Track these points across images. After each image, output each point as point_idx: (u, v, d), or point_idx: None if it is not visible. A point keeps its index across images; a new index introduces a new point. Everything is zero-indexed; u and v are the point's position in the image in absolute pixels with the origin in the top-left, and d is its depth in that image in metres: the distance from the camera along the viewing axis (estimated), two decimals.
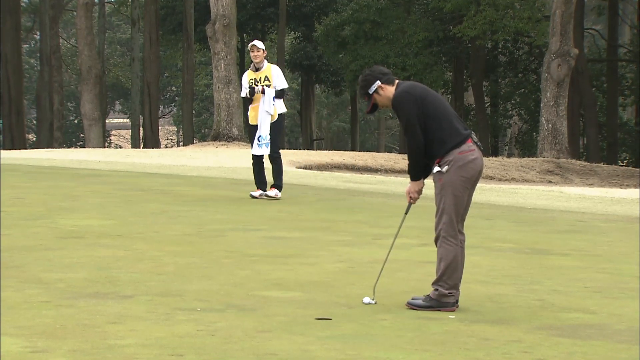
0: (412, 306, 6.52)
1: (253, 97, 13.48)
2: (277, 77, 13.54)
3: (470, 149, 6.49)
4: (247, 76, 13.67)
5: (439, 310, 6.45)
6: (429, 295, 6.54)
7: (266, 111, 13.43)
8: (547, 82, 30.49)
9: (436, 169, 6.48)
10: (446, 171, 6.45)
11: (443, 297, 6.48)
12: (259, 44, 13.54)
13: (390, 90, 6.60)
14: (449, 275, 6.48)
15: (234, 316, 6.07)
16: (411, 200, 6.74)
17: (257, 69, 13.57)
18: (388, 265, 8.25)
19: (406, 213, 6.91)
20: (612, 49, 44.41)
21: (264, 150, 13.49)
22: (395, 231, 7.06)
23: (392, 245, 7.05)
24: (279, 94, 13.53)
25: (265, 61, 13.60)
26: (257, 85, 13.43)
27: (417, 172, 6.59)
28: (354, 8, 40.04)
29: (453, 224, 6.49)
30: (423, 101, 6.48)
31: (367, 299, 6.70)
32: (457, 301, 6.56)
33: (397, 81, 6.65)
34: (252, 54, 13.54)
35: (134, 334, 5.48)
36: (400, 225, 6.97)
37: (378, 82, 6.60)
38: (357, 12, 39.70)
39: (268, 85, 13.44)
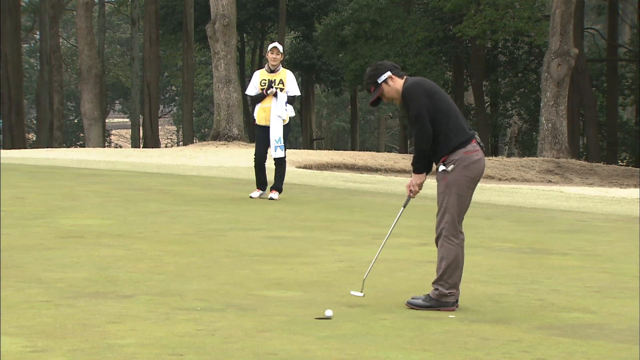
0: (412, 306, 6.52)
1: (265, 96, 13.38)
2: (291, 83, 13.51)
3: (475, 149, 6.50)
4: (259, 76, 13.59)
5: (439, 310, 6.45)
6: (428, 294, 6.54)
7: (278, 115, 13.39)
8: (547, 81, 30.48)
9: (441, 167, 6.48)
10: (451, 170, 6.45)
11: (443, 297, 6.48)
12: (280, 47, 13.52)
13: (399, 83, 6.59)
14: (450, 274, 6.48)
15: (233, 316, 6.07)
16: (411, 194, 6.72)
17: (272, 71, 13.51)
18: (388, 265, 8.26)
19: (404, 206, 6.89)
20: (612, 48, 44.40)
21: (280, 153, 13.46)
22: (393, 223, 7.03)
23: (387, 235, 7.01)
24: (290, 100, 13.51)
25: (280, 65, 13.56)
26: (272, 87, 13.37)
27: (422, 164, 6.57)
28: (354, 7, 40.02)
29: (455, 224, 6.50)
30: (433, 95, 6.50)
31: (355, 292, 6.72)
32: (457, 301, 6.56)
33: (405, 76, 6.65)
34: (271, 56, 13.46)
35: (134, 334, 5.48)
36: (398, 217, 6.94)
37: (389, 73, 6.59)
38: (357, 12, 39.69)
39: (281, 89, 13.41)
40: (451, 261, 6.48)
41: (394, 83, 6.59)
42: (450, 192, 6.47)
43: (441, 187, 6.51)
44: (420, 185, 6.66)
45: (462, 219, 6.60)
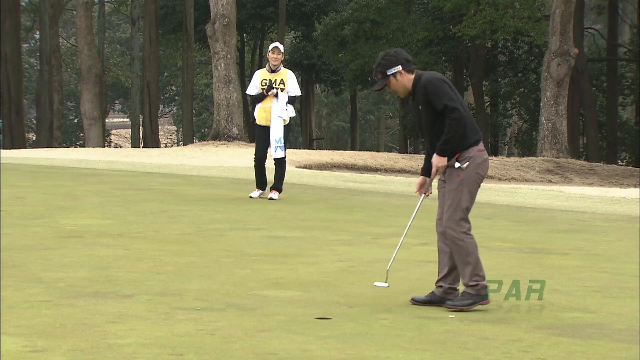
0: (452, 307, 6.43)
1: (266, 96, 13.36)
2: (292, 83, 13.48)
3: (483, 149, 6.56)
4: (260, 75, 13.55)
5: (480, 304, 6.43)
6: (465, 292, 6.48)
7: (279, 116, 13.37)
8: (547, 81, 30.48)
9: (456, 164, 6.48)
10: (465, 167, 6.47)
11: (482, 290, 6.48)
12: (281, 47, 13.49)
13: (408, 79, 6.55)
14: (479, 267, 6.48)
15: (233, 315, 6.07)
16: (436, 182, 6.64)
17: (273, 71, 13.48)
18: (387, 265, 8.25)
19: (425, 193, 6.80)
20: (611, 48, 44.40)
21: (280, 153, 13.44)
22: (414, 210, 6.95)
23: (409, 223, 6.97)
24: (291, 100, 13.49)
25: (281, 65, 13.54)
26: (273, 88, 13.34)
27: (450, 149, 6.49)
28: (354, 7, 40.03)
29: (466, 219, 6.52)
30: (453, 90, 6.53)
31: (379, 283, 6.71)
32: None
33: (416, 71, 6.63)
34: (272, 55, 13.42)
35: (133, 333, 5.48)
36: (419, 203, 6.86)
37: (399, 67, 6.52)
38: (357, 12, 39.70)
39: (282, 89, 13.38)
40: (472, 253, 6.48)
41: (402, 78, 6.54)
42: (463, 189, 6.50)
43: (454, 184, 6.50)
44: (443, 168, 6.60)
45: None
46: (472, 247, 6.49)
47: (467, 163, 6.47)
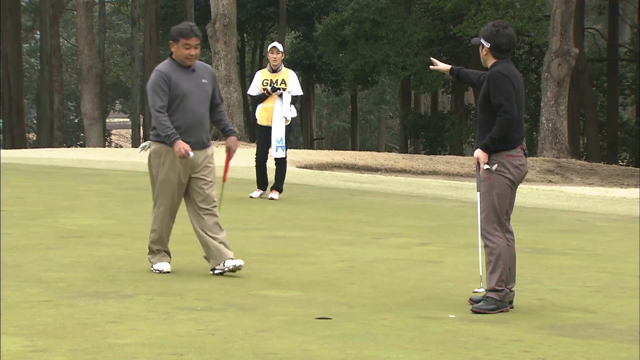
0: (478, 310, 6.44)
1: (268, 97, 13.33)
2: (294, 83, 13.44)
3: (518, 154, 6.60)
4: (261, 76, 13.50)
5: (501, 311, 6.43)
6: (489, 296, 6.48)
7: (283, 116, 13.34)
8: (548, 81, 30.48)
9: (485, 166, 6.53)
10: (495, 170, 6.51)
11: (505, 297, 6.48)
12: (280, 46, 13.45)
13: (490, 59, 6.64)
14: (506, 273, 6.48)
15: (234, 315, 6.07)
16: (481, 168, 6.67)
17: (274, 71, 13.45)
18: (388, 265, 8.27)
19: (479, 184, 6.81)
20: (612, 48, 44.40)
21: (281, 153, 13.42)
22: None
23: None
24: (293, 100, 13.46)
25: (282, 64, 13.51)
26: (278, 89, 13.30)
27: (495, 148, 6.57)
28: (355, 7, 40.02)
29: (489, 222, 6.53)
30: (515, 89, 6.59)
31: (477, 289, 6.71)
32: (511, 301, 6.59)
33: (502, 61, 6.63)
34: (271, 56, 13.39)
35: (134, 333, 5.48)
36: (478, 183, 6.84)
37: (486, 45, 6.61)
38: (357, 12, 39.69)
39: (284, 90, 13.36)
40: (502, 257, 6.50)
41: (484, 54, 6.66)
42: (491, 192, 6.52)
43: (485, 186, 6.55)
44: (483, 162, 6.63)
45: (509, 217, 6.64)
46: (503, 252, 6.50)
47: (496, 165, 6.53)
